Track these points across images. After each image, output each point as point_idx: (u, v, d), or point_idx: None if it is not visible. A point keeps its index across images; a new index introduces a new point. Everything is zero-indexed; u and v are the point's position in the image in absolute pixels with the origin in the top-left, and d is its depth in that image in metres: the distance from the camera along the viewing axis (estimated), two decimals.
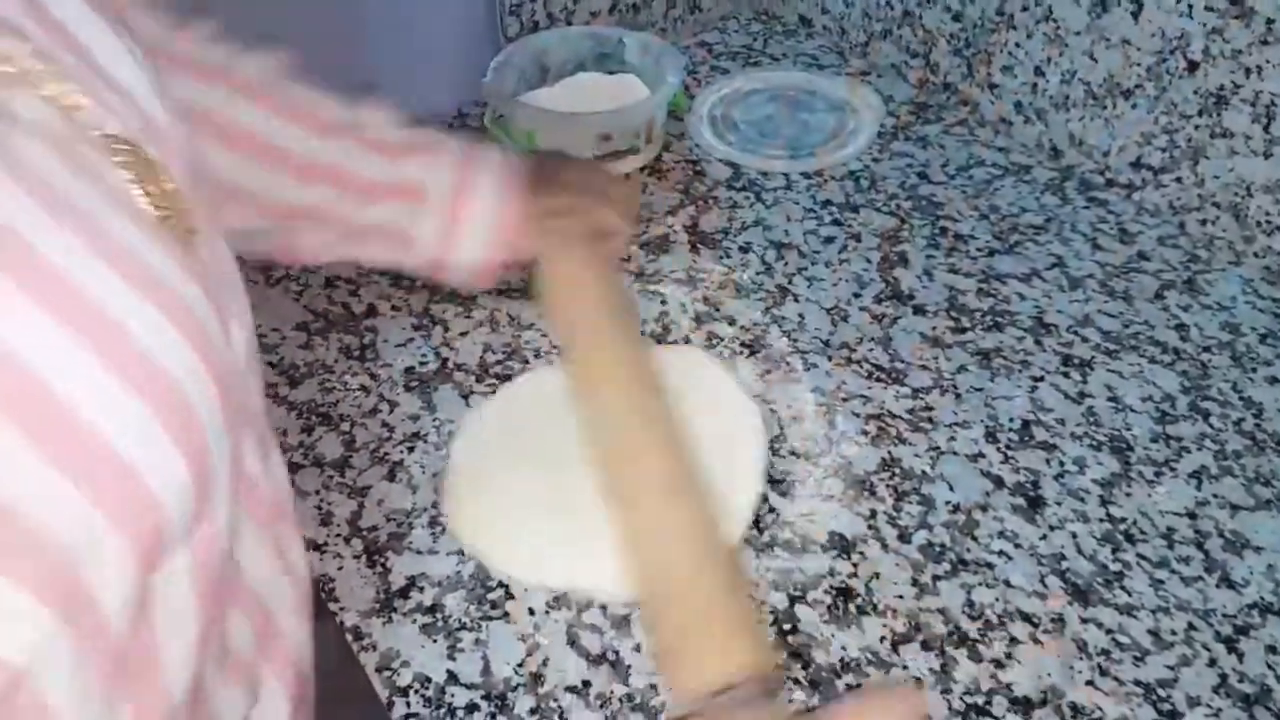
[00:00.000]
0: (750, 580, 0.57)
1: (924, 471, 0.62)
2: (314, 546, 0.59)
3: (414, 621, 0.55)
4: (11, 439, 0.24)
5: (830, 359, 0.70)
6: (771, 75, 0.98)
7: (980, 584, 0.56)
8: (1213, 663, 0.53)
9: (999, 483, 0.62)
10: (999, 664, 0.53)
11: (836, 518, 0.60)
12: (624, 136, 0.84)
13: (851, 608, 0.56)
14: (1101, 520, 0.59)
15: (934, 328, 0.72)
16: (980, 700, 0.51)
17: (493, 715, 0.51)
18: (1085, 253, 0.78)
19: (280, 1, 0.77)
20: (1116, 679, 0.52)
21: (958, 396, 0.67)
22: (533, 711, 0.51)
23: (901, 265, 0.77)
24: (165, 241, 0.30)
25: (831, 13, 1.03)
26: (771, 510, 0.60)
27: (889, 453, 0.63)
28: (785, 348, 0.71)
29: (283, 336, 0.72)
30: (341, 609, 0.56)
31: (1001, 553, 0.58)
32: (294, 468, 0.63)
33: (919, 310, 0.73)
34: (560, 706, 0.51)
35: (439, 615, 0.55)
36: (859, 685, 0.52)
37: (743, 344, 0.71)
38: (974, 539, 0.59)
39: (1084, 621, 0.55)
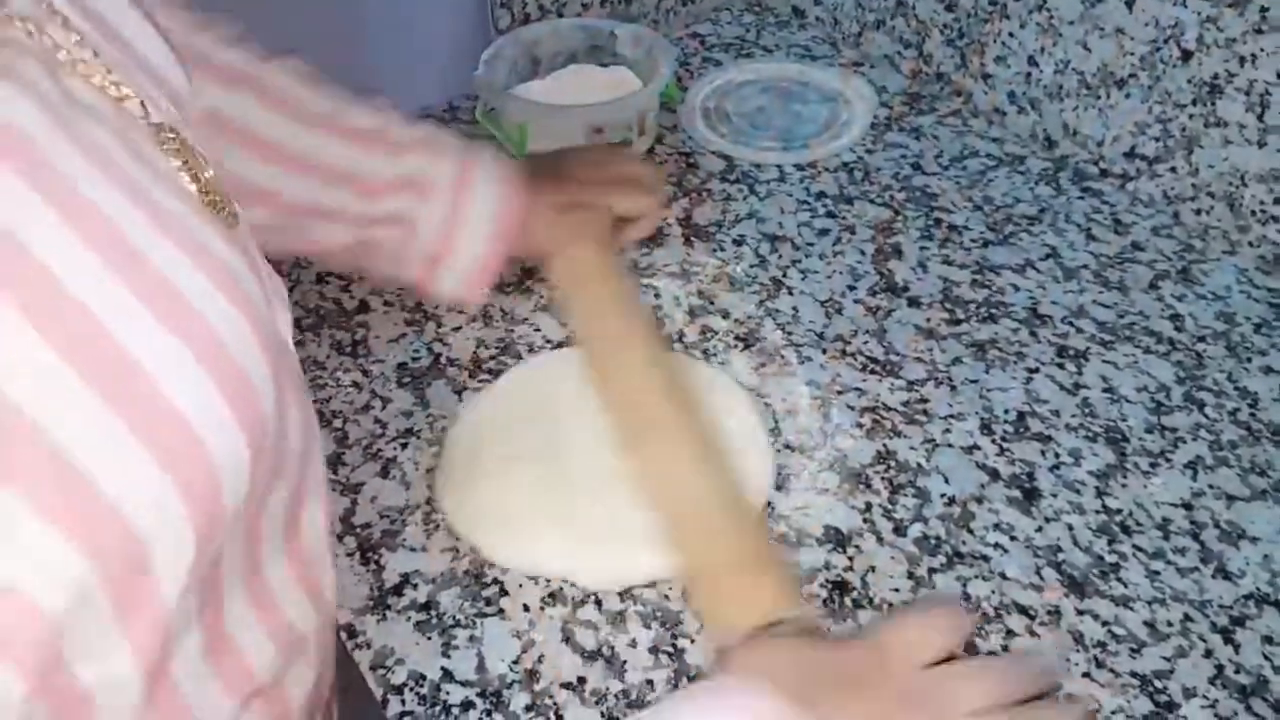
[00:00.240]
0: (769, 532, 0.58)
1: (919, 464, 0.62)
2: None
3: (408, 619, 0.55)
4: (96, 406, 0.24)
5: (825, 352, 0.69)
6: (764, 66, 0.98)
7: (976, 577, 0.56)
8: (1209, 654, 0.53)
9: (994, 475, 0.62)
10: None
11: (831, 511, 0.60)
12: (616, 129, 0.84)
13: (848, 601, 0.55)
14: (1097, 512, 0.59)
15: (928, 319, 0.72)
16: None
17: (488, 712, 0.51)
18: (1079, 243, 0.78)
19: None
20: (1113, 671, 0.52)
21: (952, 388, 0.67)
22: (528, 708, 0.51)
23: (896, 257, 0.77)
24: (214, 222, 0.32)
25: (824, 3, 1.03)
26: (767, 504, 0.60)
27: (884, 445, 0.63)
28: (779, 341, 0.70)
29: None
30: (335, 606, 0.56)
31: (997, 545, 0.58)
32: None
33: (913, 302, 0.73)
34: (556, 703, 0.51)
35: (433, 612, 0.55)
36: None
37: (737, 337, 0.71)
38: (969, 531, 0.59)
39: (1080, 613, 0.54)
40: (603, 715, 0.51)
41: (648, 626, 0.54)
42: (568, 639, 0.54)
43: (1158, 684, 0.52)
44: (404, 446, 0.64)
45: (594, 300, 0.65)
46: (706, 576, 0.53)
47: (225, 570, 0.32)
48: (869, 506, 0.60)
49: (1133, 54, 0.77)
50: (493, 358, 0.70)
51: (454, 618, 0.55)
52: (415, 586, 0.56)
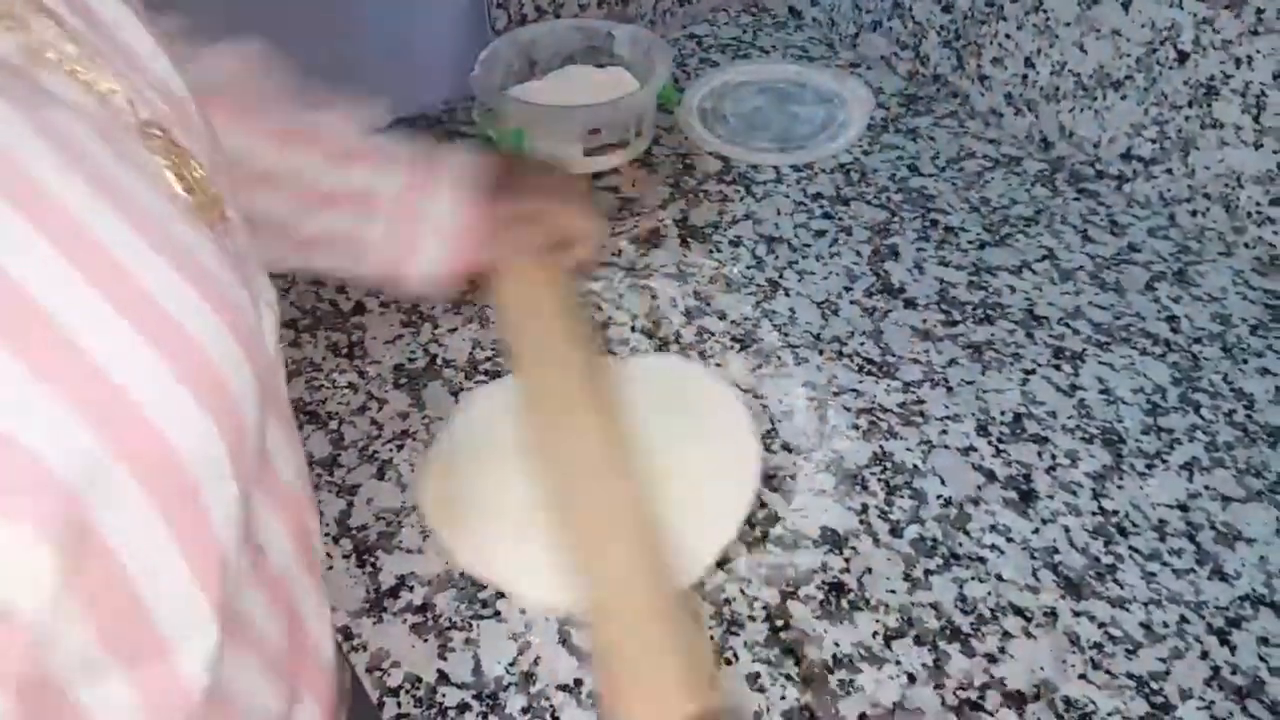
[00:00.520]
0: (701, 617, 0.55)
1: (915, 465, 0.62)
2: None
3: (404, 621, 0.55)
4: (63, 410, 0.24)
5: (821, 353, 0.69)
6: (761, 68, 0.98)
7: (972, 578, 0.56)
8: (1205, 655, 0.53)
9: (991, 476, 0.62)
10: (992, 658, 0.53)
11: (828, 512, 0.60)
12: (613, 130, 0.84)
13: (844, 603, 0.55)
14: (1093, 513, 0.59)
15: (925, 321, 0.72)
16: (974, 695, 0.51)
17: (484, 715, 0.51)
18: (1076, 245, 0.78)
19: None
20: (1109, 672, 0.52)
21: (949, 390, 0.67)
22: (524, 711, 0.51)
23: (892, 258, 0.77)
24: (199, 225, 0.31)
25: (821, 5, 1.03)
26: (763, 506, 0.60)
27: (880, 447, 0.63)
28: (776, 342, 0.70)
29: None
30: (331, 609, 0.56)
31: (993, 546, 0.58)
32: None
33: (910, 304, 0.73)
34: (552, 705, 0.51)
35: (429, 615, 0.55)
36: (851, 681, 0.52)
37: (733, 338, 0.71)
38: (966, 533, 0.58)
39: (1076, 615, 0.54)
40: (599, 718, 0.51)
41: None
42: (564, 641, 0.54)
43: (1154, 685, 0.52)
44: (400, 448, 0.64)
45: (535, 326, 0.62)
46: (622, 666, 0.49)
47: None
48: (865, 508, 0.60)
49: (1129, 56, 0.77)
50: (489, 359, 0.70)
51: (450, 620, 0.55)
52: (411, 589, 0.56)
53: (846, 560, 0.57)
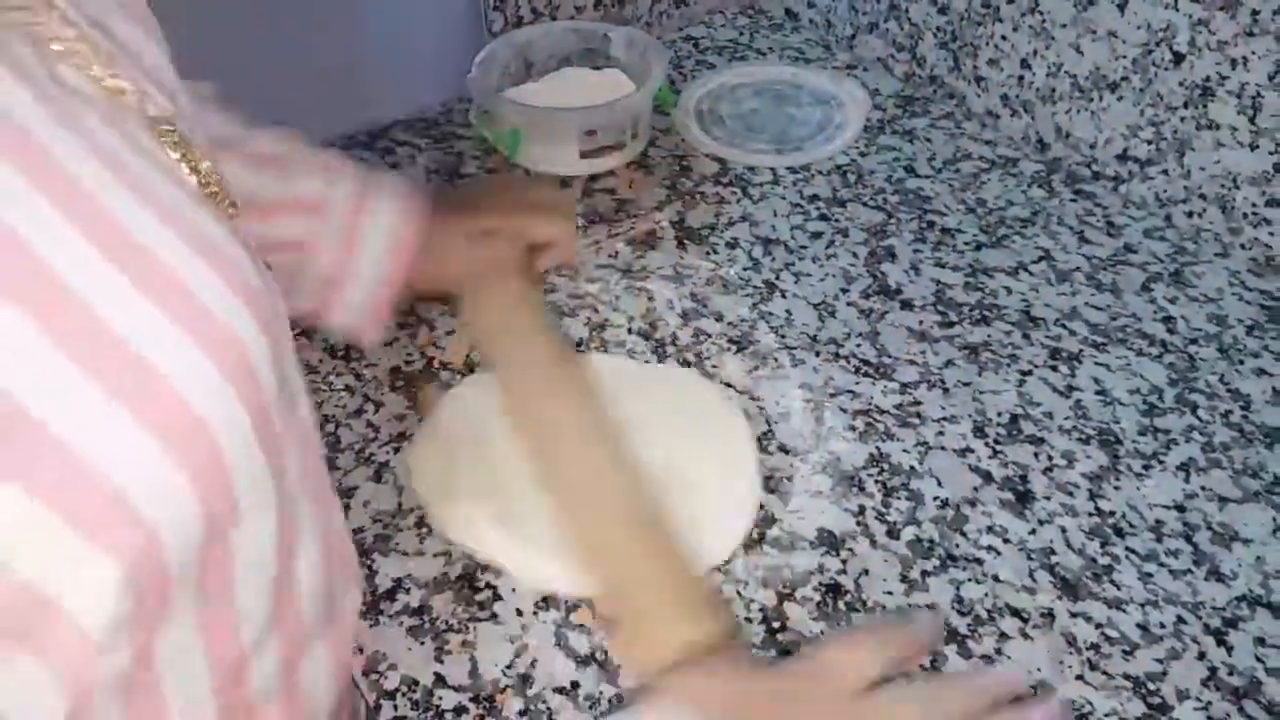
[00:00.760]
0: (691, 552, 0.55)
1: (912, 467, 0.62)
2: None
3: (401, 624, 0.55)
4: (96, 396, 0.24)
5: (818, 354, 0.69)
6: (757, 69, 0.98)
7: (969, 579, 0.56)
8: (1202, 656, 0.53)
9: (987, 477, 0.62)
10: (989, 659, 0.53)
11: (825, 514, 0.60)
12: (610, 132, 0.84)
13: (841, 604, 0.55)
14: (1090, 514, 0.59)
15: (921, 322, 0.72)
16: None
17: (481, 717, 0.51)
18: (1072, 246, 0.78)
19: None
20: (1106, 673, 0.52)
21: (945, 391, 0.67)
22: (522, 713, 0.51)
23: (889, 260, 0.77)
24: (216, 214, 0.32)
25: (817, 6, 1.03)
26: (760, 508, 0.60)
27: (877, 448, 0.63)
28: (772, 343, 0.70)
29: None
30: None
31: (990, 548, 0.58)
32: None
33: (906, 305, 0.73)
34: (549, 708, 0.51)
35: (426, 617, 0.55)
36: None
37: (730, 340, 0.71)
38: (963, 534, 0.59)
39: (1073, 616, 0.54)
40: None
41: None
42: (561, 643, 0.54)
43: (1151, 686, 0.52)
44: (396, 450, 0.64)
45: (509, 336, 0.63)
46: (623, 601, 0.51)
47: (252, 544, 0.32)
48: (862, 509, 0.60)
49: (1125, 57, 0.78)
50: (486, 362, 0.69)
51: (447, 622, 0.55)
52: (408, 591, 0.56)
53: (843, 562, 0.57)
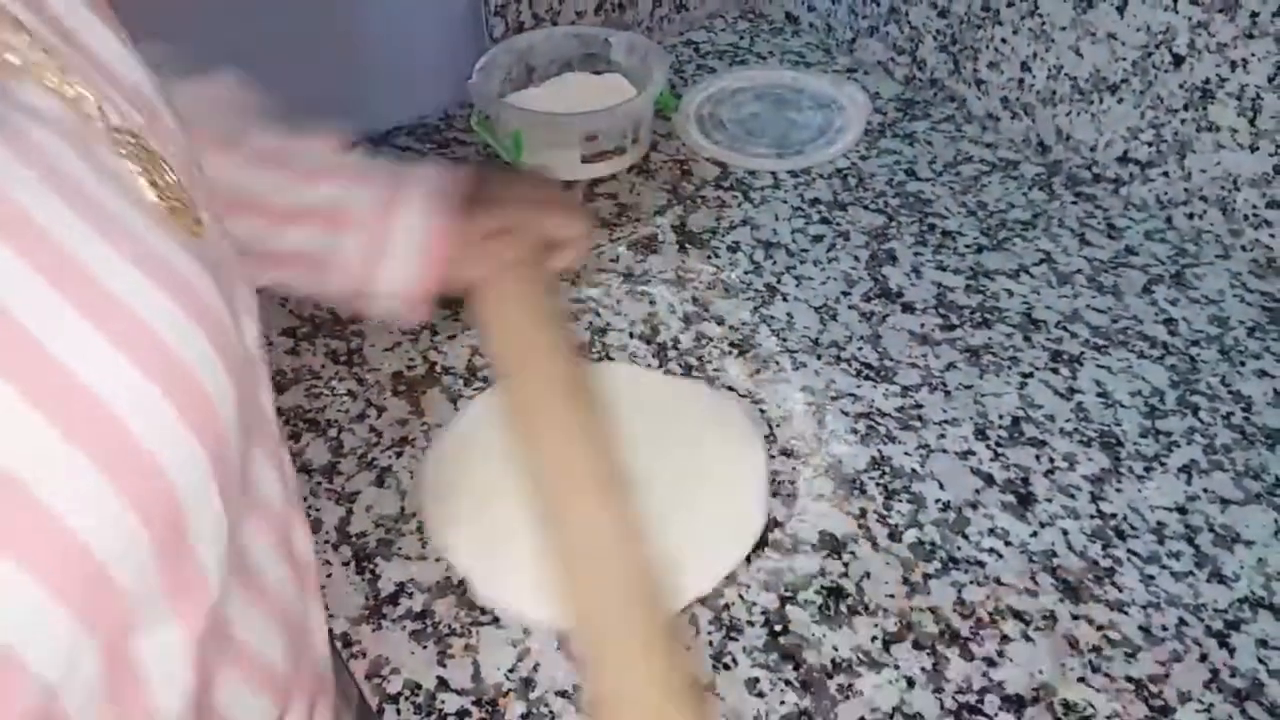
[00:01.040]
0: (682, 636, 0.55)
1: (914, 470, 0.62)
2: None
3: (404, 628, 0.55)
4: (37, 422, 0.24)
5: (819, 358, 0.70)
6: (758, 73, 0.98)
7: (971, 582, 0.56)
8: (1204, 658, 0.53)
9: (989, 480, 0.62)
10: (990, 662, 0.53)
11: (827, 517, 0.60)
12: (611, 137, 0.84)
13: (843, 607, 0.55)
14: (1092, 516, 0.59)
15: (923, 325, 0.72)
16: (972, 699, 0.51)
17: None
18: (1073, 248, 0.78)
19: (265, 5, 0.77)
20: (1108, 675, 0.52)
21: (947, 394, 0.67)
22: (524, 717, 0.51)
23: (890, 263, 0.77)
24: (174, 231, 0.30)
25: (818, 10, 1.03)
26: (770, 518, 0.60)
27: (879, 451, 0.63)
28: (774, 347, 0.70)
29: (269, 342, 0.72)
30: (331, 616, 0.56)
31: (992, 550, 0.58)
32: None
33: (907, 308, 0.73)
34: (551, 711, 0.51)
35: (429, 621, 0.55)
36: (850, 685, 0.52)
37: (731, 344, 0.71)
38: (964, 537, 0.59)
39: (1075, 618, 0.55)
40: None
41: None
42: (563, 647, 0.54)
43: (1153, 688, 0.52)
44: (399, 455, 0.64)
45: (519, 336, 0.62)
46: (606, 681, 0.48)
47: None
48: (864, 512, 0.60)
49: (1124, 59, 0.78)
50: (487, 366, 0.70)
51: (449, 626, 0.55)
52: (410, 595, 0.56)
53: (845, 565, 0.57)
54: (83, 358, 0.25)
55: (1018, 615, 0.55)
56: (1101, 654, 0.53)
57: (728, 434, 0.63)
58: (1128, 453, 0.63)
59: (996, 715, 0.51)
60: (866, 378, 0.68)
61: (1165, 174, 0.79)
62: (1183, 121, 0.76)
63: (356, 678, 0.53)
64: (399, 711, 0.51)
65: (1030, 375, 0.68)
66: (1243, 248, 0.76)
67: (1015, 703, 0.51)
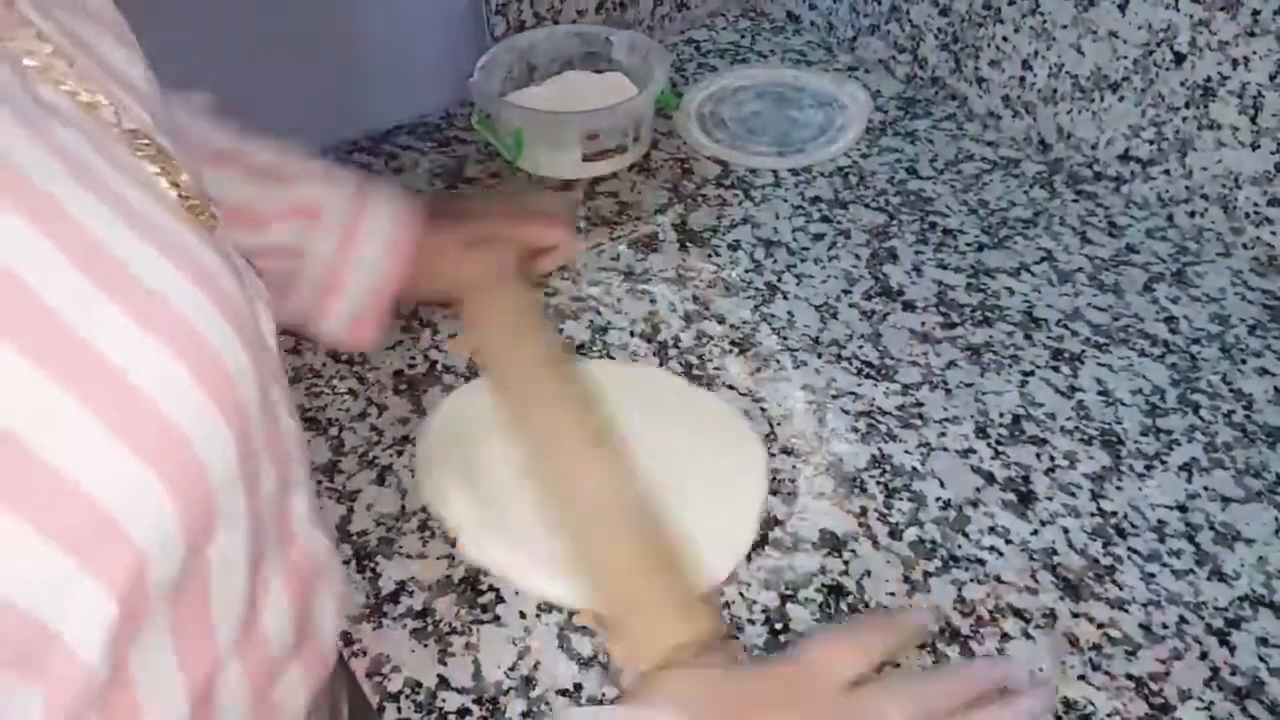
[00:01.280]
0: (688, 557, 0.56)
1: (914, 468, 0.62)
2: None
3: (404, 626, 0.55)
4: (71, 406, 0.24)
5: (820, 356, 0.70)
6: (759, 72, 0.98)
7: (971, 580, 0.56)
8: (1204, 656, 0.53)
9: (990, 478, 0.62)
10: (991, 659, 0.53)
11: (827, 515, 0.60)
12: (612, 135, 0.84)
13: (843, 605, 0.55)
14: (1092, 514, 0.59)
15: (923, 323, 0.72)
16: None
17: (484, 719, 0.51)
18: (1074, 246, 0.78)
19: (265, 5, 0.77)
20: (1108, 673, 0.52)
21: (948, 392, 0.67)
22: (525, 715, 0.51)
23: (890, 261, 0.77)
24: (195, 226, 0.31)
25: (819, 9, 1.03)
26: (771, 517, 0.60)
27: (879, 449, 0.63)
28: (774, 345, 0.70)
29: None
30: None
31: (992, 548, 0.58)
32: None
33: (908, 306, 0.73)
34: (552, 710, 0.51)
35: (429, 619, 0.55)
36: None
37: (732, 342, 0.71)
38: (965, 535, 0.59)
39: (1075, 616, 0.55)
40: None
41: None
42: (563, 646, 0.54)
43: (1153, 686, 0.52)
44: (400, 454, 0.64)
45: (506, 342, 0.64)
46: (617, 601, 0.51)
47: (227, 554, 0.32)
48: (864, 510, 0.60)
49: (1126, 57, 0.78)
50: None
51: (450, 625, 0.55)
52: (411, 594, 0.57)
53: (845, 563, 0.57)
54: (125, 349, 0.26)
55: (1018, 613, 0.55)
56: (1102, 652, 0.53)
57: (726, 436, 0.63)
58: (1128, 451, 0.63)
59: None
60: (867, 376, 0.68)
61: (1166, 172, 0.79)
62: (1184, 119, 0.76)
63: (357, 676, 0.54)
64: (400, 710, 0.52)
65: (1031, 373, 0.68)
66: (1244, 246, 0.76)
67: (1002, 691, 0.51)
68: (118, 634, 0.26)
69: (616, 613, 0.52)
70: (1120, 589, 0.56)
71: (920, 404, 0.66)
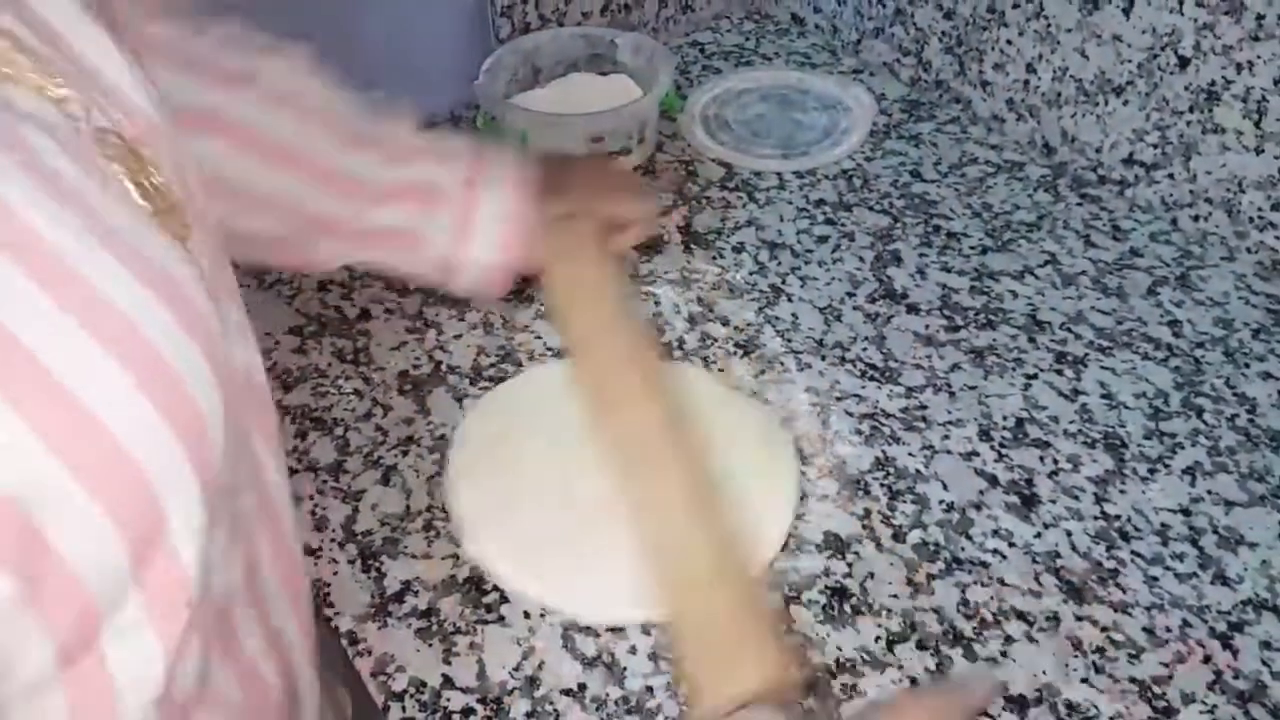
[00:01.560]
0: (767, 594, 0.55)
1: (918, 470, 0.62)
2: (308, 551, 0.59)
3: (409, 626, 0.55)
4: (19, 427, 0.23)
5: (824, 358, 0.70)
6: (763, 74, 0.98)
7: (975, 582, 0.56)
8: (1207, 659, 0.53)
9: (993, 481, 0.62)
10: (994, 662, 0.53)
11: (831, 518, 0.60)
12: (616, 137, 0.84)
13: (846, 608, 0.56)
14: (1096, 518, 0.59)
15: (927, 326, 0.72)
16: None
17: (489, 719, 0.51)
18: (1078, 250, 0.78)
19: (268, 5, 0.77)
20: (1111, 676, 0.52)
21: (951, 395, 0.67)
22: (529, 715, 0.51)
23: (894, 264, 0.77)
24: (161, 234, 0.30)
25: (823, 11, 1.03)
26: (788, 532, 0.60)
27: (883, 452, 0.63)
28: (778, 348, 0.71)
29: (276, 341, 0.72)
30: (336, 613, 0.56)
31: (996, 551, 0.58)
32: (288, 472, 0.63)
33: (912, 309, 0.73)
34: (556, 710, 0.51)
35: (434, 619, 0.55)
36: (854, 685, 0.52)
37: (736, 344, 0.71)
38: (968, 537, 0.59)
39: (1079, 619, 0.55)
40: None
41: (647, 633, 0.55)
42: (567, 646, 0.54)
43: (1156, 690, 0.52)
44: (405, 454, 0.64)
45: (591, 317, 0.63)
46: (692, 640, 0.50)
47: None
48: (868, 513, 0.60)
49: (1130, 61, 0.78)
50: (493, 365, 0.70)
51: (455, 625, 0.55)
52: (416, 593, 0.57)
53: (849, 565, 0.58)
54: (75, 363, 0.25)
55: (1021, 616, 0.55)
56: (1105, 655, 0.53)
57: (761, 445, 0.63)
58: (1132, 454, 0.63)
59: (1000, 716, 0.51)
60: (871, 379, 0.68)
61: (1170, 176, 0.79)
62: (1188, 124, 0.76)
63: (362, 676, 0.54)
64: (404, 709, 0.52)
65: (1035, 376, 0.68)
66: (1248, 250, 0.76)
67: (1018, 703, 0.51)
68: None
69: (689, 647, 0.50)
70: (1123, 592, 0.56)
71: (924, 406, 0.66)
